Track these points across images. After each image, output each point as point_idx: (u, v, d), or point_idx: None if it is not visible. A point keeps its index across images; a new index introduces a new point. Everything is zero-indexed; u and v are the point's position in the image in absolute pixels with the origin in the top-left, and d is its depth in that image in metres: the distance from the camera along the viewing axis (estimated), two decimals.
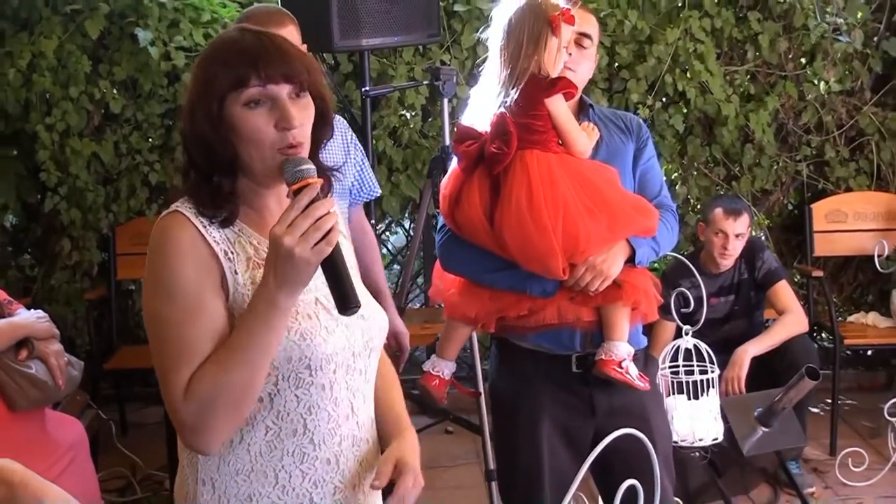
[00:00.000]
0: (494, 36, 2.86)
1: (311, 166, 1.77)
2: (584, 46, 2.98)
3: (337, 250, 1.71)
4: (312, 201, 1.69)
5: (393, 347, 3.95)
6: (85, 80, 4.91)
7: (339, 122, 3.71)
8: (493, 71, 2.87)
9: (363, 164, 3.76)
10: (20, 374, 3.52)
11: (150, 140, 5.07)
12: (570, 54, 2.86)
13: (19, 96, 4.91)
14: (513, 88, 2.80)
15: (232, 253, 1.81)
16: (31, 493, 2.96)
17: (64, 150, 4.95)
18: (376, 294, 3.87)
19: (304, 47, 3.48)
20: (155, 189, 5.14)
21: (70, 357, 3.74)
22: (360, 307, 1.75)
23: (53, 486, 3.05)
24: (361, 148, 3.78)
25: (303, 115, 1.80)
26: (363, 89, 4.31)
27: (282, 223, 1.68)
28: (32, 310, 3.74)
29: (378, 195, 3.94)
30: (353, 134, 3.76)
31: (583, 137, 2.84)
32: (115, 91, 5.00)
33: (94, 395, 4.71)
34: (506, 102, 2.81)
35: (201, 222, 1.79)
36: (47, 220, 5.15)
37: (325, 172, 1.90)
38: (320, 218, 1.68)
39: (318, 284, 1.80)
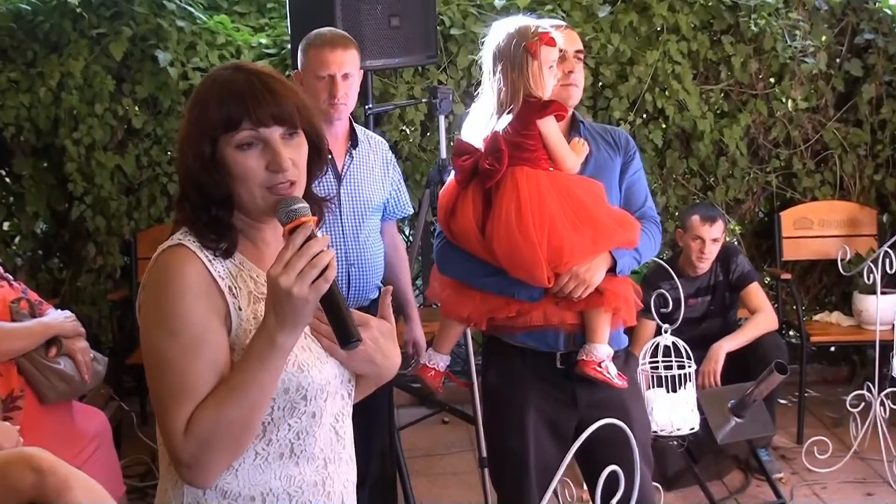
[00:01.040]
0: (486, 60, 2.87)
1: (304, 205, 1.67)
2: (581, 61, 3.00)
3: (334, 286, 1.62)
4: (307, 239, 1.60)
5: (410, 354, 3.96)
6: (109, 98, 4.90)
7: (382, 144, 3.72)
8: (486, 92, 2.89)
9: (400, 183, 3.77)
10: (50, 369, 3.53)
11: (169, 153, 5.06)
12: (556, 76, 2.85)
13: (49, 113, 4.91)
14: (507, 111, 2.81)
15: (235, 288, 1.72)
16: (59, 479, 2.97)
17: (90, 162, 4.95)
18: (404, 302, 3.92)
19: (361, 73, 3.50)
20: (173, 198, 5.13)
21: (95, 353, 3.74)
22: (360, 341, 1.67)
23: (79, 472, 3.06)
24: (399, 169, 3.79)
25: (296, 154, 1.72)
26: (366, 107, 4.31)
27: (278, 264, 1.59)
28: (61, 310, 3.74)
29: (411, 213, 3.96)
30: (393, 155, 3.77)
31: (571, 156, 2.85)
32: (136, 108, 5.00)
33: (117, 388, 4.71)
34: (500, 122, 2.81)
35: (206, 256, 1.70)
36: (74, 226, 5.14)
37: (317, 204, 1.81)
38: (316, 255, 1.59)
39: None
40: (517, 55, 2.78)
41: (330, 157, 3.53)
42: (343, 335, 1.66)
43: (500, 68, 2.81)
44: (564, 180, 2.82)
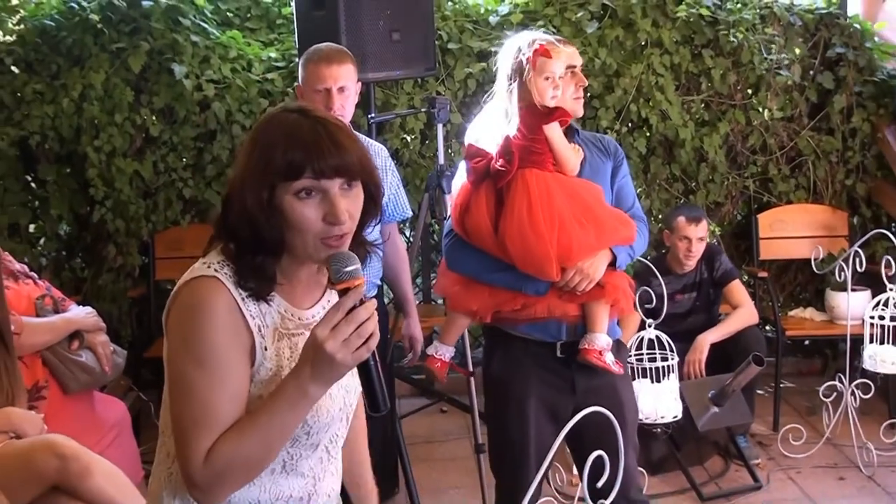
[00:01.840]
0: (499, 70, 2.92)
1: (357, 266, 1.62)
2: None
3: (373, 354, 1.60)
4: (357, 304, 1.57)
5: (406, 347, 3.98)
6: (128, 108, 4.89)
7: (381, 151, 3.72)
8: (498, 99, 2.93)
9: (398, 188, 3.77)
10: (72, 361, 3.53)
11: (184, 160, 5.05)
12: (557, 86, 2.86)
13: (72, 122, 4.90)
14: (513, 116, 2.86)
15: (263, 327, 1.66)
16: (81, 464, 2.97)
17: (110, 168, 4.93)
18: (403, 300, 3.93)
19: (359, 86, 3.50)
20: (188, 202, 5.13)
21: (115, 347, 3.74)
22: (388, 410, 1.66)
23: (100, 458, 3.06)
24: (398, 174, 3.79)
25: (353, 206, 1.65)
26: (369, 116, 4.31)
27: (325, 325, 1.55)
28: (82, 306, 3.73)
29: (409, 216, 3.96)
30: (392, 161, 3.77)
31: (573, 159, 2.89)
32: (154, 117, 4.99)
33: (136, 379, 4.71)
34: (509, 127, 2.86)
35: (240, 294, 1.64)
36: (96, 228, 5.13)
37: (362, 247, 1.76)
38: (362, 324, 1.56)
39: None
40: (521, 65, 2.83)
41: None
42: (374, 403, 1.64)
43: (508, 77, 2.86)
44: (570, 182, 2.87)
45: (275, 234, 1.63)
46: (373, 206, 1.73)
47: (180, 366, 1.63)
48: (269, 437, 1.62)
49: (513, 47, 2.87)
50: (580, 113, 3.01)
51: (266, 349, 1.67)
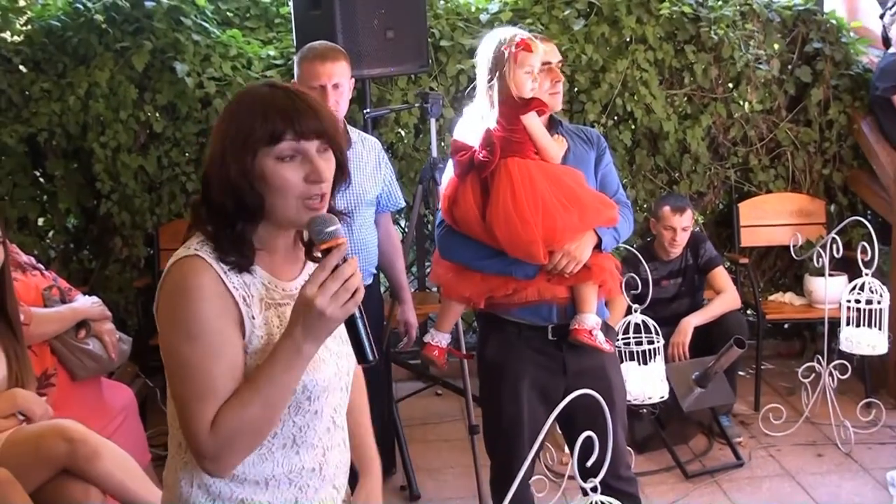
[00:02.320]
0: (479, 66, 2.91)
1: (338, 226, 1.64)
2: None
3: (359, 308, 1.61)
4: (341, 262, 1.58)
5: (401, 333, 3.97)
6: (132, 105, 4.87)
7: (375, 144, 3.71)
8: (479, 94, 2.92)
9: (392, 179, 3.76)
10: (80, 349, 3.52)
11: (187, 154, 5.03)
12: (536, 79, 2.86)
13: (78, 119, 4.88)
14: (493, 108, 2.85)
15: (249, 297, 1.66)
16: (90, 448, 2.96)
17: (116, 163, 4.91)
18: (398, 287, 3.94)
19: (352, 82, 3.49)
20: (191, 195, 5.11)
21: (121, 335, 3.75)
22: (378, 359, 1.66)
23: (108, 442, 3.06)
24: (391, 166, 3.78)
25: (328, 168, 1.67)
26: (365, 111, 4.30)
27: (313, 283, 1.56)
28: (89, 296, 3.73)
29: (402, 206, 3.96)
30: (385, 154, 3.76)
31: (554, 146, 2.89)
32: (157, 114, 4.97)
33: (142, 366, 4.69)
34: (491, 120, 2.85)
35: (221, 268, 1.64)
36: (102, 221, 5.11)
37: (337, 216, 1.74)
38: (348, 279, 1.57)
39: None
40: (500, 59, 2.82)
41: None
42: (363, 354, 1.65)
43: (488, 72, 2.85)
44: (551, 168, 2.86)
45: (257, 200, 1.65)
46: (340, 174, 1.74)
47: (174, 346, 1.63)
48: (271, 399, 1.62)
49: (492, 43, 2.86)
50: (557, 107, 3.01)
51: (254, 318, 1.67)
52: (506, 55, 2.80)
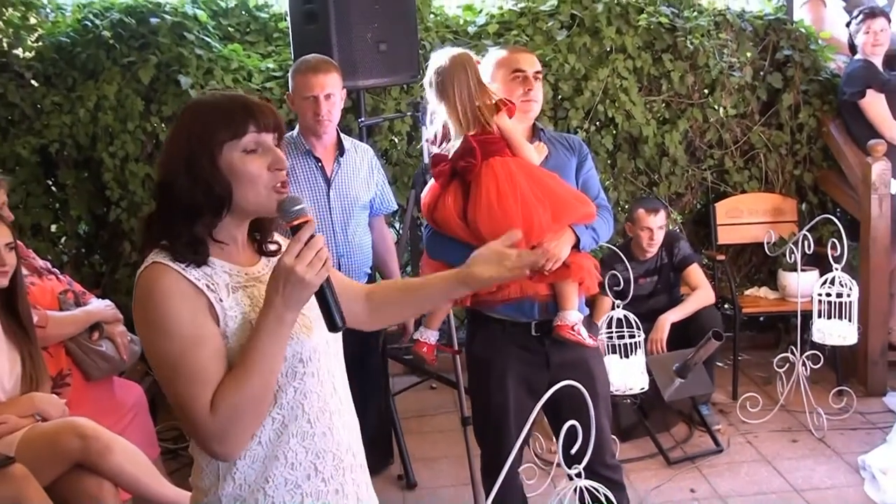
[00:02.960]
0: (443, 84, 2.84)
1: (304, 205, 1.69)
2: (539, 79, 3.01)
3: (327, 279, 1.66)
4: (311, 236, 1.63)
5: (398, 327, 3.97)
6: (139, 117, 4.87)
7: (367, 151, 3.71)
8: (447, 107, 2.86)
9: (384, 184, 3.77)
10: (93, 351, 3.53)
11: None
12: (499, 88, 2.92)
13: (88, 130, 4.88)
14: (472, 119, 2.83)
15: (213, 284, 1.68)
16: (102, 443, 2.97)
17: (124, 172, 4.91)
18: None
19: (343, 92, 3.50)
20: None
21: (132, 336, 3.74)
22: (346, 326, 1.70)
23: (119, 437, 3.06)
24: (384, 172, 3.79)
25: (285, 157, 1.74)
26: (360, 120, 4.31)
27: (289, 255, 1.61)
28: (102, 299, 3.73)
29: (395, 209, 3.96)
30: (377, 160, 3.77)
31: (527, 145, 2.89)
32: (163, 125, 4.96)
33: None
34: (468, 129, 2.84)
35: (179, 266, 1.67)
36: (112, 227, 5.11)
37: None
38: (319, 249, 1.63)
39: None
40: (461, 77, 2.82)
41: (319, 164, 3.56)
42: (332, 321, 1.69)
43: (464, 87, 2.82)
44: (529, 165, 2.87)
45: (227, 190, 1.68)
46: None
47: (156, 348, 1.65)
48: (263, 370, 1.63)
49: (452, 65, 2.83)
50: (531, 113, 2.98)
51: (222, 301, 1.68)
52: (465, 71, 2.80)
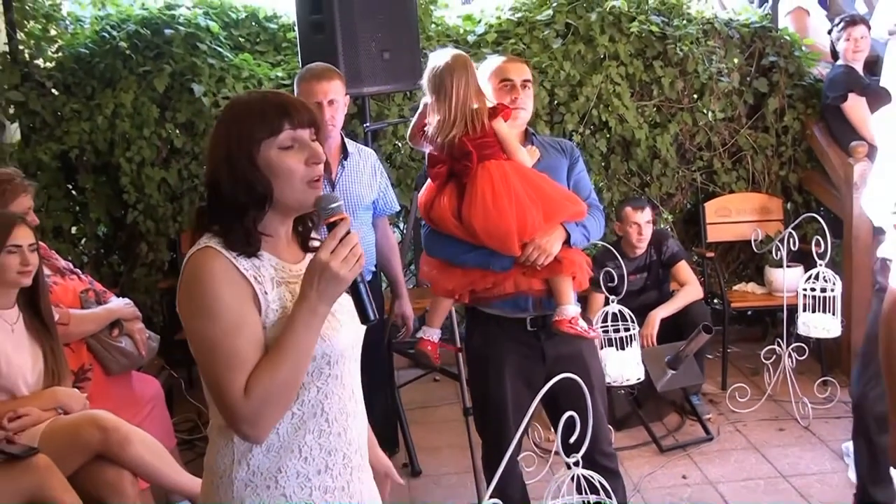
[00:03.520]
0: (441, 77, 2.82)
1: (340, 203, 1.69)
2: (528, 87, 3.00)
3: (360, 274, 1.67)
4: (347, 233, 1.64)
5: (399, 325, 3.97)
6: (155, 124, 4.87)
7: (371, 154, 3.71)
8: (440, 101, 2.83)
9: (387, 186, 3.77)
10: (113, 347, 3.54)
11: (205, 167, 5.03)
12: (492, 90, 2.93)
13: (106, 137, 4.88)
14: (468, 120, 2.81)
15: (259, 277, 1.69)
16: (121, 435, 2.98)
17: (140, 176, 4.91)
18: (394, 282, 3.94)
19: (347, 98, 3.49)
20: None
21: (149, 332, 3.75)
22: (378, 319, 1.71)
23: (138, 429, 3.07)
24: (386, 174, 3.79)
25: (322, 152, 1.73)
26: (365, 125, 4.31)
27: (325, 250, 1.62)
28: (121, 298, 3.73)
29: (398, 210, 3.96)
30: (380, 163, 3.76)
31: (521, 149, 2.88)
32: (177, 131, 4.97)
33: (167, 359, 4.69)
34: (463, 130, 2.81)
35: (231, 255, 1.67)
36: (129, 229, 5.11)
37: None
38: (354, 246, 1.63)
39: None
40: (475, 80, 2.83)
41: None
42: (365, 314, 1.71)
43: (462, 90, 2.80)
44: (521, 166, 2.86)
45: (267, 187, 1.68)
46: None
47: (198, 330, 1.65)
48: (296, 358, 1.64)
49: (455, 68, 2.81)
50: (519, 120, 2.96)
51: (266, 293, 1.68)
52: (463, 74, 2.79)
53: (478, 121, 2.80)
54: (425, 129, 2.91)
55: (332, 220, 1.67)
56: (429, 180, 2.96)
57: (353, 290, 1.69)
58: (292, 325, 1.64)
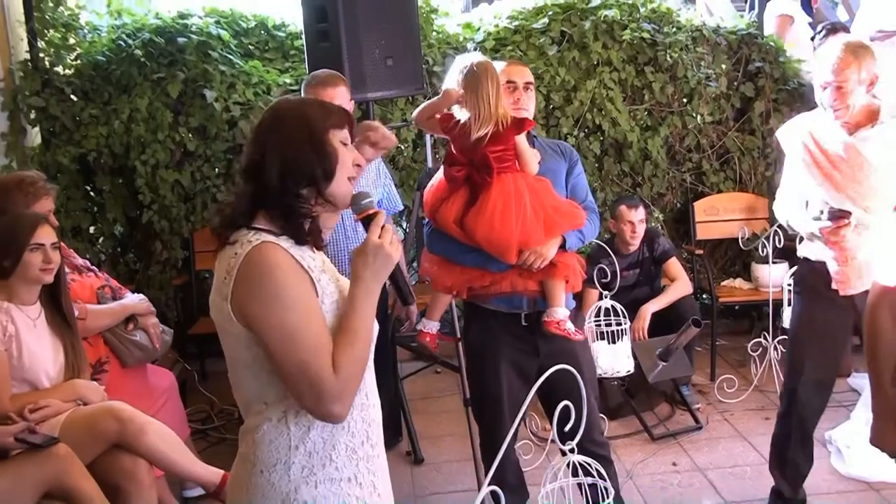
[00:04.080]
0: (476, 77, 2.76)
1: (372, 199, 1.80)
2: (530, 90, 3.00)
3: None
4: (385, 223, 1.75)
5: (402, 319, 3.98)
6: (168, 128, 4.88)
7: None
8: (481, 104, 2.76)
9: (390, 186, 3.78)
10: (129, 340, 3.54)
11: (217, 169, 5.04)
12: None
13: (122, 141, 4.89)
14: (486, 127, 2.74)
15: (314, 266, 1.73)
16: (137, 425, 2.98)
17: (155, 178, 4.92)
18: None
19: (351, 104, 3.49)
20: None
21: (164, 327, 3.75)
22: (414, 301, 1.80)
23: (153, 420, 3.07)
24: (390, 175, 3.79)
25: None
26: None
27: (374, 235, 1.73)
28: (136, 293, 3.73)
29: (401, 209, 3.96)
30: (384, 164, 3.76)
31: (534, 161, 2.87)
32: (190, 135, 4.97)
33: (181, 352, 4.70)
34: (493, 129, 2.75)
35: (287, 245, 1.70)
36: (144, 228, 5.12)
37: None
38: (394, 233, 1.75)
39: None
40: (495, 87, 2.76)
41: None
42: (402, 296, 1.89)
43: (483, 96, 2.74)
44: (530, 179, 2.84)
45: (333, 167, 1.74)
46: None
47: (276, 320, 1.65)
48: (365, 335, 1.72)
49: (476, 74, 2.76)
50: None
51: (320, 281, 1.73)
52: (498, 86, 2.75)
53: (504, 125, 2.75)
54: (445, 117, 2.84)
55: (366, 214, 1.78)
56: (436, 178, 2.95)
57: (392, 275, 1.78)
58: (354, 305, 1.72)
